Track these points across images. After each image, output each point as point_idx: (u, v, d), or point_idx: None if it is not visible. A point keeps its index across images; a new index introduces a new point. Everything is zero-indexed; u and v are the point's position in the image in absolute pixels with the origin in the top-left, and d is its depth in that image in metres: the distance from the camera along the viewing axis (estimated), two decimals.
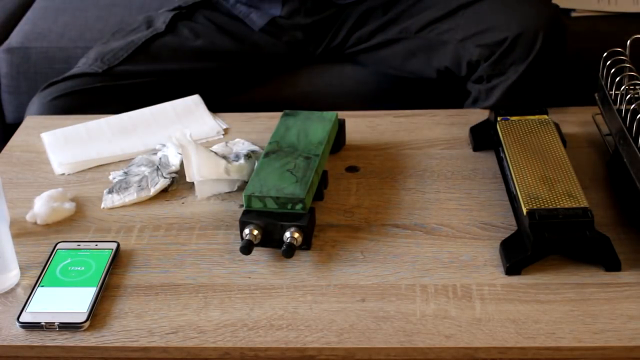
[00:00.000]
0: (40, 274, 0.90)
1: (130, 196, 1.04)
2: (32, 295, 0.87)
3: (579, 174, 0.96)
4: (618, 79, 1.04)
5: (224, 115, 1.24)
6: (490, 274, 0.89)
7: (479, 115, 1.20)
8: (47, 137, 1.19)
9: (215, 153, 1.06)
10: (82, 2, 1.74)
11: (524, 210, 0.90)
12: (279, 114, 1.12)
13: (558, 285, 0.87)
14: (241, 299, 0.87)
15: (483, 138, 1.13)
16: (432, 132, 1.17)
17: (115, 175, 1.09)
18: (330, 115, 1.10)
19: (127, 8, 1.69)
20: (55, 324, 0.83)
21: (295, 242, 0.91)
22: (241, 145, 1.13)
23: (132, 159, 1.12)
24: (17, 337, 0.83)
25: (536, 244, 0.88)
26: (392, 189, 1.05)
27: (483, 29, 1.30)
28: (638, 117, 0.94)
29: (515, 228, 0.94)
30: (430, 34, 1.36)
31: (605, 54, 1.08)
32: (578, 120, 1.17)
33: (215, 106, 1.27)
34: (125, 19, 1.58)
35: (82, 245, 0.94)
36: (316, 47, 1.44)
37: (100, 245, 0.94)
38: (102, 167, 1.13)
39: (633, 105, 0.98)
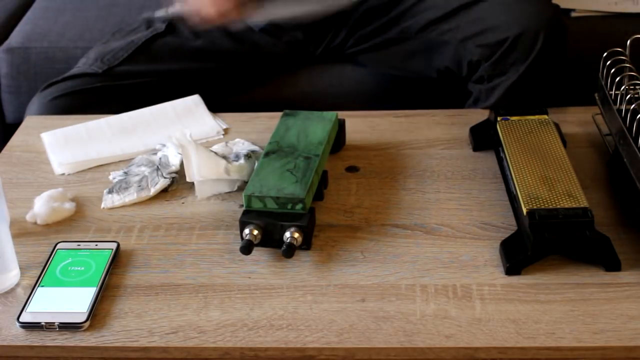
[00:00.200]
0: (40, 274, 0.90)
1: (130, 196, 1.04)
2: (32, 295, 0.87)
3: (579, 174, 0.96)
4: (618, 79, 1.04)
5: (224, 115, 1.24)
6: (490, 274, 0.89)
7: (479, 115, 1.20)
8: (47, 137, 1.19)
9: (215, 153, 1.06)
10: (82, 2, 1.74)
11: (524, 210, 0.90)
12: (279, 114, 1.12)
13: (558, 285, 0.87)
14: (241, 299, 0.87)
15: (483, 138, 1.13)
16: (432, 132, 1.17)
17: (115, 175, 1.09)
18: (330, 115, 1.10)
19: (127, 8, 1.69)
20: (55, 324, 0.83)
21: (295, 242, 0.91)
22: (241, 145, 1.13)
23: (132, 159, 1.12)
24: (17, 337, 0.83)
25: (536, 244, 0.88)
26: (392, 189, 1.05)
27: (484, 29, 1.30)
28: (638, 117, 0.94)
29: (515, 228, 0.94)
30: (431, 34, 1.36)
31: (605, 54, 1.08)
32: (578, 120, 1.17)
33: (215, 106, 1.27)
34: (125, 19, 1.58)
35: (82, 245, 0.94)
36: (316, 47, 1.44)
37: (100, 245, 0.94)
38: (102, 167, 1.13)
39: (633, 105, 0.98)
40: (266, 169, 0.99)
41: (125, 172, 1.08)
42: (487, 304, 0.85)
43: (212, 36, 1.41)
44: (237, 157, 1.06)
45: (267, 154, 1.02)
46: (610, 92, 1.06)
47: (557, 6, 1.36)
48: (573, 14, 1.59)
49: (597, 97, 1.12)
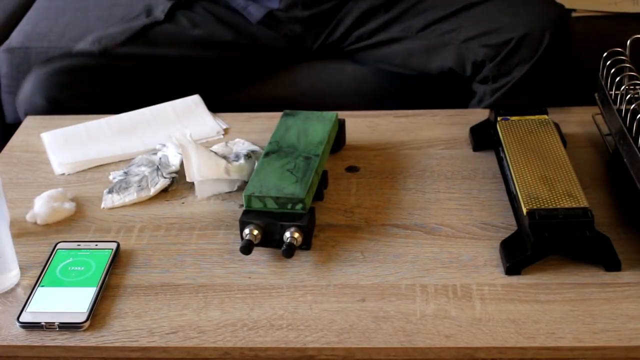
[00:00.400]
0: (40, 274, 0.90)
1: (130, 196, 1.04)
2: (32, 295, 0.87)
3: (579, 174, 0.96)
4: (618, 79, 1.04)
5: (224, 115, 1.24)
6: (490, 274, 0.89)
7: (479, 115, 1.20)
8: (47, 137, 1.19)
9: (215, 153, 1.06)
10: (82, 2, 1.74)
11: (524, 210, 0.90)
12: (279, 114, 1.12)
13: (558, 285, 0.87)
14: (241, 299, 0.87)
15: (483, 138, 1.13)
16: (432, 132, 1.17)
17: (115, 175, 1.09)
18: (330, 115, 1.10)
19: (127, 8, 1.69)
20: (55, 324, 0.83)
21: (295, 242, 0.91)
22: (241, 145, 1.13)
23: (132, 159, 1.12)
24: (17, 337, 0.83)
25: (536, 244, 0.88)
26: (392, 189, 1.05)
27: (488, 29, 1.30)
28: (638, 117, 0.94)
29: (515, 228, 0.94)
30: (431, 34, 1.36)
31: (605, 54, 1.08)
32: (578, 120, 1.17)
33: (215, 105, 1.27)
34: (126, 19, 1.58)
35: (82, 245, 0.94)
36: (314, 42, 1.44)
37: (100, 245, 0.94)
38: (102, 167, 1.13)
39: (633, 105, 0.98)
40: (266, 169, 0.99)
41: (125, 172, 1.08)
42: (487, 304, 0.85)
43: (210, 26, 1.41)
44: (237, 157, 1.06)
45: (267, 154, 1.02)
46: (610, 92, 1.06)
47: (562, 6, 1.36)
48: (573, 14, 1.59)
49: (597, 97, 1.12)
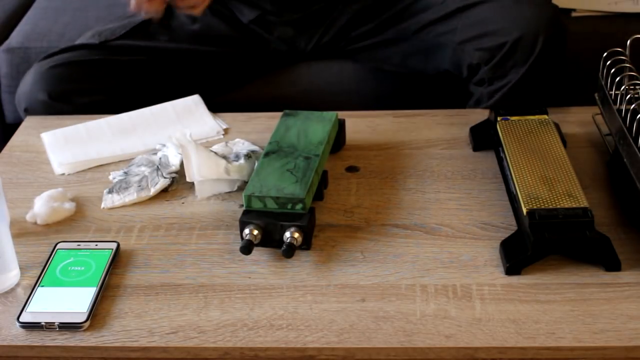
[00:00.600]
0: (40, 274, 0.90)
1: (130, 196, 1.04)
2: (32, 295, 0.87)
3: (579, 174, 0.96)
4: (618, 79, 1.04)
5: (224, 115, 1.24)
6: (490, 274, 0.89)
7: (479, 115, 1.20)
8: (47, 137, 1.19)
9: (215, 153, 1.06)
10: (82, 2, 1.74)
11: (524, 210, 0.90)
12: (279, 114, 1.12)
13: (558, 285, 0.87)
14: (241, 299, 0.87)
15: (483, 138, 1.13)
16: (432, 132, 1.17)
17: (115, 175, 1.09)
18: (330, 115, 1.10)
19: (126, 8, 1.69)
20: (55, 324, 0.83)
21: (295, 242, 0.91)
22: (241, 145, 1.13)
23: (132, 159, 1.12)
24: (17, 337, 0.83)
25: (536, 244, 0.88)
26: (392, 189, 1.05)
27: (482, 32, 1.30)
28: (638, 117, 0.94)
29: (515, 228, 0.94)
30: (427, 35, 1.36)
31: (605, 54, 1.08)
32: (578, 120, 1.17)
33: (214, 105, 1.27)
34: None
35: (82, 245, 0.94)
36: (307, 44, 1.44)
37: (100, 245, 0.94)
38: (102, 167, 1.13)
39: (633, 105, 0.98)
40: (266, 169, 0.99)
41: (125, 172, 1.08)
42: (487, 304, 0.85)
43: (208, 21, 1.41)
44: (237, 157, 1.06)
45: (267, 154, 1.02)
46: (610, 92, 1.06)
47: (555, 7, 1.36)
48: (573, 14, 1.59)
49: (597, 97, 1.12)
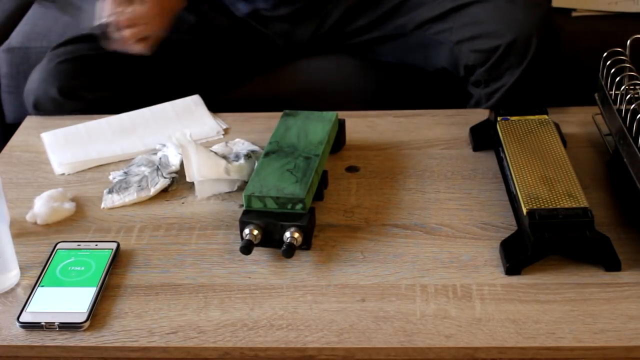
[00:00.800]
0: (40, 274, 0.90)
1: (130, 196, 1.04)
2: (32, 295, 0.87)
3: (579, 174, 0.96)
4: (618, 79, 1.04)
5: (224, 115, 1.24)
6: (490, 274, 0.89)
7: (479, 115, 1.20)
8: (47, 137, 1.19)
9: (215, 153, 1.06)
10: (82, 3, 1.74)
11: (524, 210, 0.90)
12: (279, 114, 1.12)
13: (558, 285, 0.87)
14: (241, 299, 0.87)
15: (483, 138, 1.13)
16: (432, 132, 1.17)
17: (115, 175, 1.09)
18: (330, 115, 1.10)
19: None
20: (55, 324, 0.83)
21: (295, 242, 0.91)
22: (241, 145, 1.13)
23: (132, 159, 1.12)
24: (17, 337, 0.83)
25: (536, 244, 0.88)
26: (392, 189, 1.05)
27: (476, 34, 1.30)
28: (638, 117, 0.94)
29: (515, 228, 0.94)
30: (426, 32, 1.36)
31: (605, 54, 1.08)
32: (578, 120, 1.17)
33: (214, 104, 1.27)
34: None
35: (82, 245, 0.94)
36: (303, 35, 1.44)
37: (100, 245, 0.94)
38: (102, 167, 1.13)
39: (633, 105, 0.98)
40: (266, 169, 0.99)
41: (125, 172, 1.08)
42: (487, 304, 0.85)
43: (206, 13, 1.41)
44: (237, 157, 1.06)
45: (267, 154, 1.02)
46: (610, 92, 1.06)
47: (549, 7, 1.36)
48: (573, 14, 1.59)
49: (597, 97, 1.12)
